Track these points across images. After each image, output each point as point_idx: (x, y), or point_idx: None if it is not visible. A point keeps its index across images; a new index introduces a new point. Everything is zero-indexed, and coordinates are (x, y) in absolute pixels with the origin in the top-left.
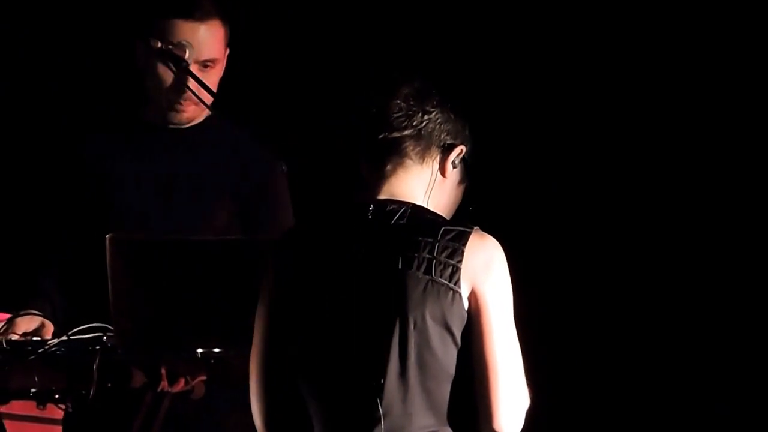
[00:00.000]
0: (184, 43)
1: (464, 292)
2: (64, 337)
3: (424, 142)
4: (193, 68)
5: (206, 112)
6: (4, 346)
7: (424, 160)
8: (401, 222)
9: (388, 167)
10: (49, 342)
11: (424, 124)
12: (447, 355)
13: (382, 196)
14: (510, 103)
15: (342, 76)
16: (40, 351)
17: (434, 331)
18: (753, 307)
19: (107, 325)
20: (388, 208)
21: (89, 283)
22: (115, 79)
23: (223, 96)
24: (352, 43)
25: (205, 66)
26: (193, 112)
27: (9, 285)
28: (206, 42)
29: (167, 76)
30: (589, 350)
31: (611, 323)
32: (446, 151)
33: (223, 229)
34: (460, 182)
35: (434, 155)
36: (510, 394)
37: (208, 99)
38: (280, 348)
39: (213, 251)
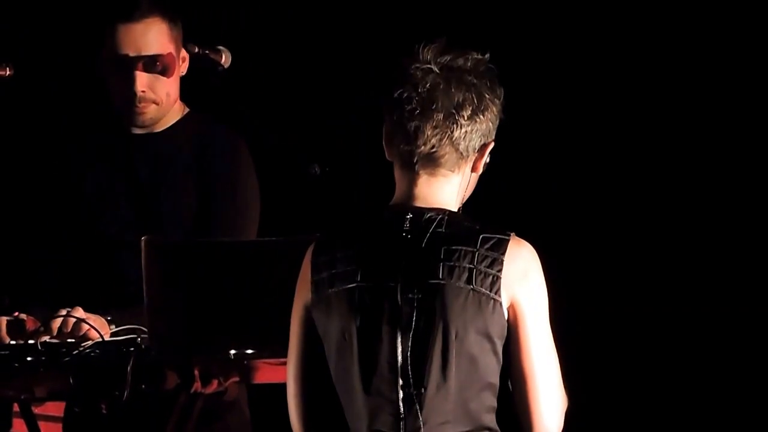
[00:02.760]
0: (221, 48)
1: (504, 301)
2: (99, 339)
3: (460, 153)
4: (139, 67)
5: (178, 113)
6: (39, 348)
7: (459, 168)
8: (439, 230)
9: (423, 177)
10: (83, 344)
11: (461, 137)
12: (487, 365)
13: (418, 203)
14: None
15: (371, 80)
16: (74, 353)
17: (475, 340)
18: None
19: (141, 327)
20: (425, 216)
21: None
22: (88, 88)
23: (246, 101)
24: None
25: (153, 64)
26: (155, 111)
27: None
28: (145, 40)
29: (119, 80)
30: (591, 349)
31: (615, 325)
32: (480, 151)
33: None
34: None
35: (469, 160)
36: (549, 400)
37: (164, 97)
38: (317, 352)
39: (247, 253)
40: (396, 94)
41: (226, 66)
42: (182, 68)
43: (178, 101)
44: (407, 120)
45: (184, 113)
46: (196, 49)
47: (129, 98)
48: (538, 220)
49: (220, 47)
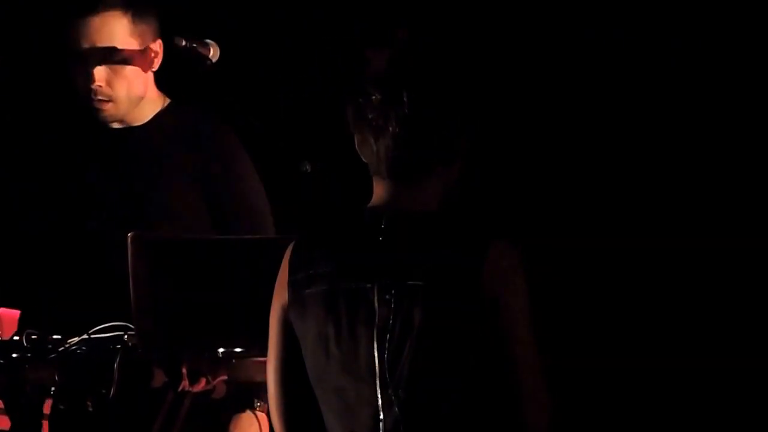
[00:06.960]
0: (209, 42)
1: (485, 302)
2: (85, 336)
3: (452, 157)
4: (92, 62)
5: (157, 105)
6: (25, 344)
7: (446, 168)
8: (418, 231)
9: (398, 184)
10: (69, 340)
11: (450, 145)
12: (467, 366)
13: (400, 203)
14: (509, 102)
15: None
16: (60, 349)
17: (454, 342)
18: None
19: (128, 324)
20: (406, 216)
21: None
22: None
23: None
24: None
25: (108, 59)
26: (112, 109)
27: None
28: (100, 34)
29: (76, 74)
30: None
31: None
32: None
33: (190, 221)
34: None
35: (457, 159)
36: (534, 403)
37: (122, 94)
38: (296, 353)
39: (234, 250)
40: (354, 113)
41: (214, 60)
42: (154, 63)
43: (157, 93)
44: (367, 139)
45: (165, 105)
46: (184, 43)
47: (85, 93)
48: (520, 220)
49: (208, 41)
